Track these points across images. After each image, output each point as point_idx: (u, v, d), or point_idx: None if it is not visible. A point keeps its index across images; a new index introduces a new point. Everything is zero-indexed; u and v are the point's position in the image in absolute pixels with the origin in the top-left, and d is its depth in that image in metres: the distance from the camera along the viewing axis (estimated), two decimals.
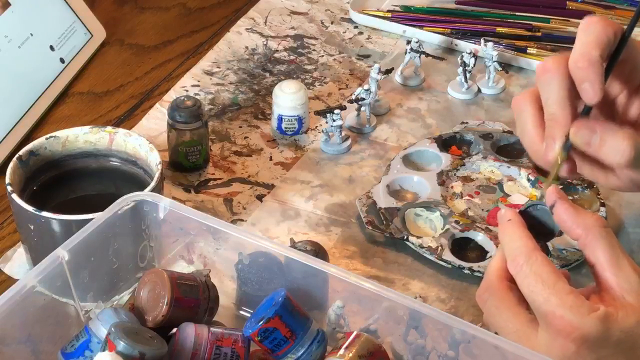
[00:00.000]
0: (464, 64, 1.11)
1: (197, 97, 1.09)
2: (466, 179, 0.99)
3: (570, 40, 1.20)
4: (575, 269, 0.88)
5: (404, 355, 0.75)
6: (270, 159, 1.04)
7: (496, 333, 0.71)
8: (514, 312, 0.71)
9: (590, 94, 0.73)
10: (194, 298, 0.75)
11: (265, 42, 1.21)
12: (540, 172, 0.97)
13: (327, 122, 1.03)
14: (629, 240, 0.93)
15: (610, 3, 1.27)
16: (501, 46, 1.18)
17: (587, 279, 0.82)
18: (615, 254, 0.71)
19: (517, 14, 1.24)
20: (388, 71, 1.07)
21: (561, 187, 0.96)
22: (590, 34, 0.74)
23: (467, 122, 1.06)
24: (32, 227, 0.83)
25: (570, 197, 0.97)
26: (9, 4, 1.10)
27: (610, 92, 0.79)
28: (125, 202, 0.77)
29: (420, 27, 1.22)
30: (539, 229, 0.75)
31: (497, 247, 0.90)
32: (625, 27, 0.75)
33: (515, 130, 1.05)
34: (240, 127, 1.08)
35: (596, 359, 0.68)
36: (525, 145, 0.78)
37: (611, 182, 0.80)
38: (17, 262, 0.90)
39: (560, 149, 0.75)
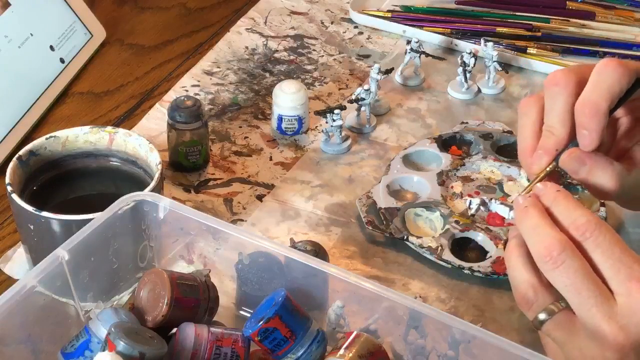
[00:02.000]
0: (464, 64, 1.11)
1: (197, 97, 1.09)
2: (466, 179, 0.99)
3: (570, 40, 1.20)
4: None
5: (404, 355, 0.75)
6: (270, 159, 1.04)
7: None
8: (629, 251, 0.69)
9: (586, 141, 0.74)
10: (194, 298, 0.75)
11: (265, 42, 1.21)
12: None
13: (327, 122, 1.03)
14: (629, 241, 0.93)
15: (610, 3, 1.27)
16: (501, 46, 1.18)
17: None
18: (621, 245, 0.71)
19: (517, 14, 1.24)
20: (388, 71, 1.07)
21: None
22: (605, 80, 0.74)
23: (467, 122, 1.06)
24: (32, 227, 0.83)
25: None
26: (9, 4, 1.10)
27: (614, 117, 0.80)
28: (125, 202, 0.77)
29: (420, 27, 1.22)
30: None
31: (497, 247, 0.90)
32: None
33: (515, 130, 1.05)
34: (240, 127, 1.08)
35: None
36: (520, 152, 0.79)
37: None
38: (17, 262, 0.90)
39: (546, 165, 0.76)
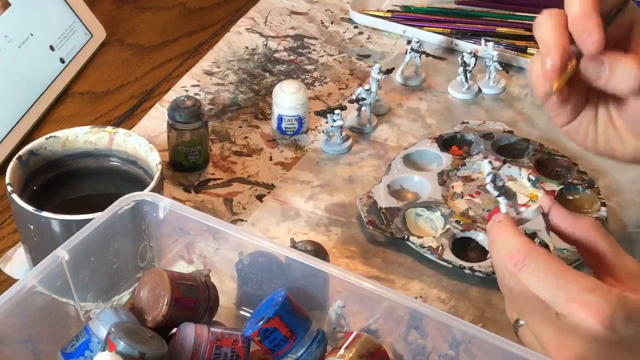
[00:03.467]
0: (465, 64, 1.11)
1: (197, 97, 1.09)
2: (467, 179, 0.99)
3: None
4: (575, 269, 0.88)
5: (404, 355, 0.75)
6: (270, 159, 1.04)
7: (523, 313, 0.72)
8: (563, 270, 0.69)
9: (588, 42, 0.72)
10: (194, 298, 0.75)
11: (265, 42, 1.21)
12: (540, 172, 0.98)
13: (327, 123, 1.03)
14: (630, 241, 0.93)
15: None
16: (501, 46, 1.18)
17: None
18: (612, 245, 0.71)
19: (517, 14, 1.24)
20: (388, 71, 1.07)
21: (561, 186, 0.97)
22: None
23: (467, 122, 1.06)
24: (32, 227, 0.83)
25: (571, 197, 0.97)
26: (9, 4, 1.10)
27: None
28: (125, 202, 0.77)
29: (421, 27, 1.22)
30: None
31: None
32: None
33: (515, 130, 1.05)
34: (240, 127, 1.08)
35: (622, 337, 0.66)
36: (531, 79, 0.77)
37: (618, 153, 0.80)
38: (17, 262, 0.90)
39: (559, 77, 0.74)
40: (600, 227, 0.73)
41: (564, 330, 0.68)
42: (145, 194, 0.79)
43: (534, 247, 0.70)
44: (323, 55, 1.19)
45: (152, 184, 0.85)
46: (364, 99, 1.06)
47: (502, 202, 0.75)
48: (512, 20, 1.23)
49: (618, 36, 0.77)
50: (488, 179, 0.75)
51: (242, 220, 0.96)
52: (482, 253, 0.91)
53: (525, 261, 0.69)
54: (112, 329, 0.69)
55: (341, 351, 0.72)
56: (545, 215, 0.74)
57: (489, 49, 1.12)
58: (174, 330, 0.74)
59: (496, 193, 0.75)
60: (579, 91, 0.77)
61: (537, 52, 0.76)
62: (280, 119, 1.05)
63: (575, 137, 0.81)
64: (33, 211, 0.81)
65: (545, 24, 0.75)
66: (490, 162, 0.76)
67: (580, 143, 0.82)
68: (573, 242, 0.73)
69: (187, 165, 1.01)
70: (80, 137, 0.91)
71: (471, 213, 0.95)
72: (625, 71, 0.73)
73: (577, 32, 0.73)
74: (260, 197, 0.98)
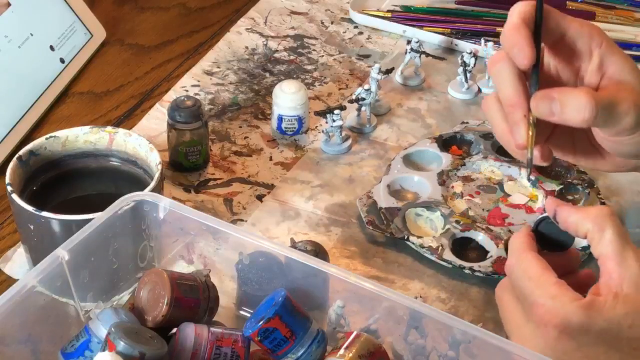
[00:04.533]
0: (464, 64, 1.11)
1: (197, 97, 1.09)
2: (467, 179, 0.99)
3: None
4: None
5: (404, 355, 0.75)
6: (270, 159, 1.04)
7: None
8: (539, 274, 0.73)
9: (521, 56, 0.74)
10: (194, 298, 0.75)
11: (265, 42, 1.21)
12: (540, 172, 0.98)
13: (327, 123, 1.03)
14: (631, 240, 0.93)
15: (610, 3, 1.27)
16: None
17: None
18: (621, 244, 0.72)
19: None
20: (388, 71, 1.07)
21: (561, 186, 0.97)
22: (513, 12, 0.75)
23: (467, 122, 1.06)
24: (32, 227, 0.83)
25: (570, 197, 0.97)
26: (9, 4, 1.10)
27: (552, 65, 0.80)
28: (125, 202, 0.77)
29: (420, 27, 1.22)
30: (554, 243, 0.77)
31: (497, 247, 0.90)
32: None
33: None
34: (240, 127, 1.08)
35: (577, 346, 0.70)
36: (500, 142, 0.80)
37: (599, 166, 0.83)
38: (17, 262, 0.90)
39: (526, 129, 0.75)
40: (607, 216, 0.73)
41: (529, 335, 0.72)
42: (145, 194, 0.79)
43: (525, 251, 0.74)
44: (323, 55, 1.19)
45: (152, 184, 0.85)
46: (363, 99, 1.06)
47: None
48: None
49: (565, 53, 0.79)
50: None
51: (242, 220, 0.96)
52: (482, 253, 0.91)
53: (514, 265, 0.74)
54: (112, 329, 0.69)
55: (341, 351, 0.72)
56: (553, 219, 0.75)
57: (488, 49, 1.12)
58: (174, 330, 0.74)
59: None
60: (544, 129, 0.79)
61: (492, 94, 0.79)
62: (280, 119, 1.05)
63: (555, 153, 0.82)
64: (33, 211, 0.81)
65: (502, 83, 0.77)
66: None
67: (560, 157, 0.84)
68: (584, 235, 0.74)
69: (187, 165, 1.01)
70: (80, 137, 0.91)
71: (471, 213, 0.95)
72: (575, 104, 0.73)
73: (507, 46, 0.75)
74: (260, 197, 0.98)
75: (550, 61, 0.79)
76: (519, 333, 0.73)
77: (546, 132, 0.80)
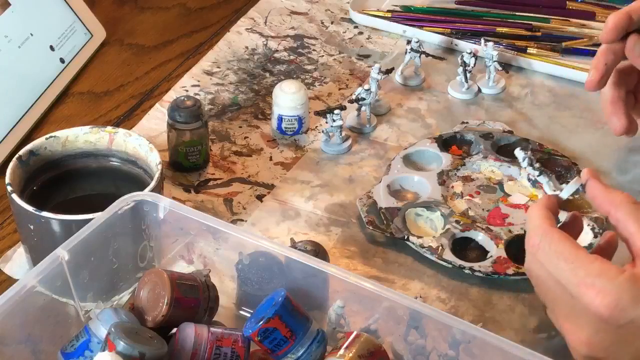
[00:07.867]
0: (464, 64, 1.11)
1: (197, 97, 1.09)
2: (466, 179, 0.99)
3: (569, 40, 1.20)
4: None
5: (404, 355, 0.75)
6: (270, 159, 1.04)
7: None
8: (574, 254, 0.72)
9: (617, 126, 0.93)
10: (194, 298, 0.75)
11: (265, 42, 1.21)
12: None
13: (327, 122, 1.03)
14: None
15: (610, 3, 1.27)
16: (501, 46, 1.18)
17: None
18: None
19: (517, 14, 1.24)
20: (388, 71, 1.07)
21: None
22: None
23: (467, 122, 1.06)
24: (32, 227, 0.83)
25: (571, 197, 0.96)
26: (9, 4, 1.10)
27: None
28: (125, 202, 0.77)
29: (420, 27, 1.22)
30: None
31: (497, 246, 0.90)
32: None
33: (515, 130, 1.05)
34: (240, 127, 1.08)
35: (630, 320, 0.69)
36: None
37: None
38: (17, 262, 0.90)
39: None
40: (630, 203, 0.73)
41: (577, 312, 0.71)
42: (145, 194, 0.79)
43: (549, 230, 0.73)
44: (323, 55, 1.19)
45: (152, 184, 0.85)
46: (363, 99, 1.06)
47: (544, 182, 0.78)
48: (512, 20, 1.23)
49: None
50: (525, 164, 0.79)
51: (242, 220, 0.96)
52: (482, 253, 0.91)
53: (540, 244, 0.73)
54: (112, 329, 0.69)
55: (341, 351, 0.72)
56: (582, 186, 0.76)
57: (488, 49, 1.12)
58: (174, 330, 0.74)
59: (537, 173, 0.78)
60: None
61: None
62: (280, 119, 1.05)
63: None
64: (33, 211, 0.81)
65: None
66: (521, 149, 0.80)
67: None
68: (606, 214, 0.75)
69: (187, 165, 1.01)
70: (80, 137, 0.91)
71: (471, 213, 0.95)
72: None
73: (606, 114, 0.93)
74: (260, 197, 0.98)
75: None
76: (567, 312, 0.72)
77: (631, 102, 0.92)
